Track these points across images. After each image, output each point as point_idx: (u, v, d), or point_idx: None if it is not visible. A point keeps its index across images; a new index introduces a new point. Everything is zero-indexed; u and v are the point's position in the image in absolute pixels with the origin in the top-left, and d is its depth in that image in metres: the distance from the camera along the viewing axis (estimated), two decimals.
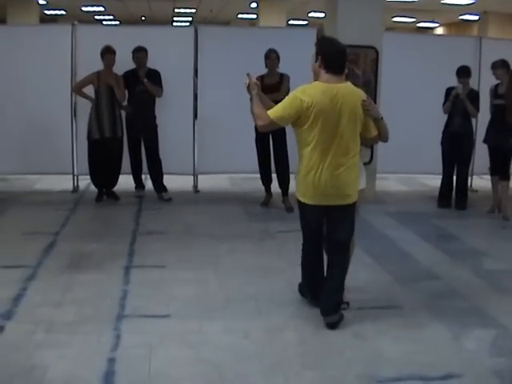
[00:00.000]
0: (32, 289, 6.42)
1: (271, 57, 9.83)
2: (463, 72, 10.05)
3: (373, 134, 5.82)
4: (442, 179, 10.54)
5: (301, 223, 5.92)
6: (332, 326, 5.58)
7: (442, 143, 10.32)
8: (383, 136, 6.04)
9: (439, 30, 30.82)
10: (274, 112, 5.47)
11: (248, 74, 5.80)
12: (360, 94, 5.66)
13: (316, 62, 5.60)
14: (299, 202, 5.75)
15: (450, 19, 27.43)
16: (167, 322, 5.63)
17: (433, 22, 28.51)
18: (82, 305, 5.99)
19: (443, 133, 10.30)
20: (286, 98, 5.50)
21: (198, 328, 5.51)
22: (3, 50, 10.87)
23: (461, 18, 26.05)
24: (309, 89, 5.47)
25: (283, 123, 5.62)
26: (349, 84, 5.61)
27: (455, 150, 10.23)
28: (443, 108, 10.18)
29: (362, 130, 5.67)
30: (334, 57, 5.57)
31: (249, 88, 5.74)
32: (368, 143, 6.15)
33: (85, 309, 5.90)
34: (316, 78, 5.62)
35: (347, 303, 5.97)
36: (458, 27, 28.60)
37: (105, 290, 6.38)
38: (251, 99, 5.70)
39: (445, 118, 10.24)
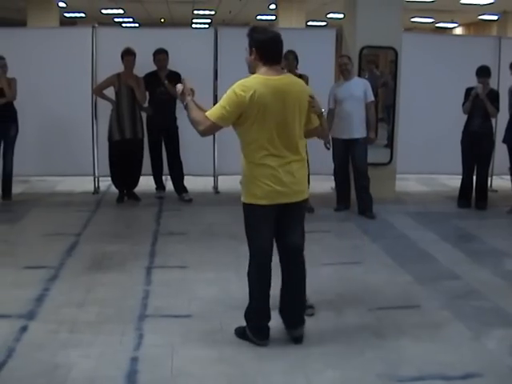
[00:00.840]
0: (55, 289, 6.49)
1: (290, 58, 9.83)
2: (483, 72, 10.03)
3: (315, 124, 5.42)
4: (462, 179, 10.51)
5: (250, 235, 5.30)
6: (301, 339, 5.33)
7: (462, 143, 10.31)
8: (325, 130, 5.91)
9: (458, 30, 30.73)
10: (213, 113, 5.00)
11: (183, 79, 5.33)
12: (303, 85, 5.41)
13: (250, 55, 5.22)
14: (249, 206, 5.20)
15: (469, 19, 27.35)
16: (189, 322, 5.67)
17: (452, 22, 28.41)
18: (104, 305, 6.04)
19: (463, 133, 10.29)
20: (224, 95, 5.04)
21: (219, 328, 5.56)
22: (24, 53, 10.93)
23: (480, 17, 25.98)
24: (248, 82, 5.04)
25: (225, 123, 5.05)
26: (290, 75, 5.37)
27: (475, 150, 10.22)
28: (463, 108, 10.17)
29: (305, 122, 5.29)
30: (268, 46, 5.20)
31: (183, 94, 5.18)
32: (308, 136, 5.50)
33: (107, 309, 5.95)
34: (252, 71, 5.22)
35: (312, 307, 5.87)
36: (477, 27, 28.51)
37: (127, 291, 6.43)
38: (186, 107, 5.18)
39: (465, 117, 10.22)
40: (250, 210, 5.19)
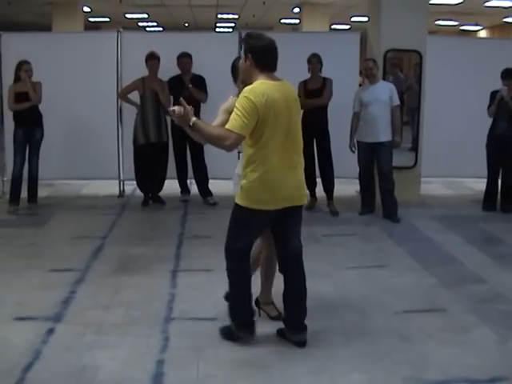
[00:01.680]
0: (81, 292, 6.53)
1: (313, 61, 9.86)
2: (507, 75, 9.98)
3: None
4: (487, 182, 10.46)
5: (238, 233, 5.27)
6: (305, 343, 5.34)
7: (487, 146, 10.25)
8: None
9: (482, 33, 30.59)
10: (235, 125, 4.87)
11: (181, 101, 4.99)
12: (295, 90, 5.47)
13: (245, 61, 5.15)
14: (246, 210, 5.13)
15: (493, 22, 27.21)
16: (214, 325, 5.66)
17: (476, 24, 28.29)
18: (130, 307, 6.07)
19: (488, 136, 10.24)
20: (238, 103, 4.93)
21: None
22: (50, 57, 11.00)
23: (504, 20, 25.85)
24: (258, 88, 4.97)
25: (247, 132, 4.93)
26: (286, 81, 5.28)
27: (500, 153, 10.16)
28: (488, 112, 10.13)
29: None
30: (265, 53, 5.16)
31: (185, 116, 4.96)
32: None
33: (133, 311, 5.99)
34: (249, 78, 5.16)
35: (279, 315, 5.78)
36: (501, 30, 28.36)
37: (152, 293, 6.46)
38: (192, 127, 5.00)
39: (490, 120, 10.17)
40: (249, 214, 5.15)
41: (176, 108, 4.97)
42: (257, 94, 4.92)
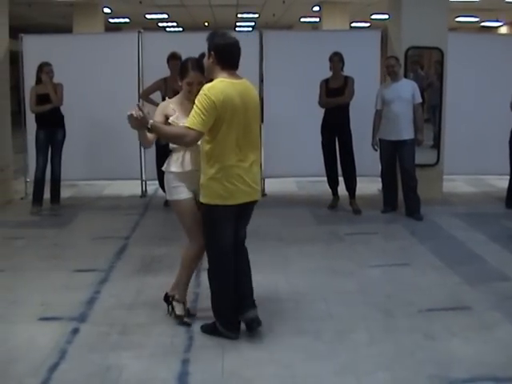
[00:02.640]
0: (105, 292, 6.57)
1: (334, 60, 9.83)
2: None
3: None
4: (510, 180, 10.41)
5: (213, 235, 5.43)
6: (257, 320, 5.50)
7: (510, 143, 10.21)
8: None
9: (503, 29, 30.41)
10: (194, 122, 5.05)
11: (138, 105, 5.15)
12: (255, 89, 5.60)
13: (208, 58, 5.32)
14: (213, 207, 5.28)
15: None
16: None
17: (496, 20, 28.14)
18: (154, 307, 6.08)
19: (511, 132, 10.20)
20: (197, 101, 5.09)
21: (268, 329, 5.56)
22: (71, 59, 11.08)
23: None
24: (217, 86, 5.13)
25: (206, 129, 5.09)
26: (246, 80, 5.43)
27: None
28: (510, 106, 10.10)
29: None
30: (226, 51, 5.31)
31: (143, 118, 5.04)
32: None
33: (157, 311, 5.99)
34: (211, 75, 5.31)
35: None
36: None
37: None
38: (150, 129, 5.13)
39: None
40: (214, 211, 5.30)
41: (134, 112, 5.04)
42: (215, 92, 5.09)
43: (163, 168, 5.78)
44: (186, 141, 5.16)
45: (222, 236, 5.41)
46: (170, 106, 5.65)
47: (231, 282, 5.49)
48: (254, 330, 5.48)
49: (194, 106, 5.11)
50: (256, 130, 5.47)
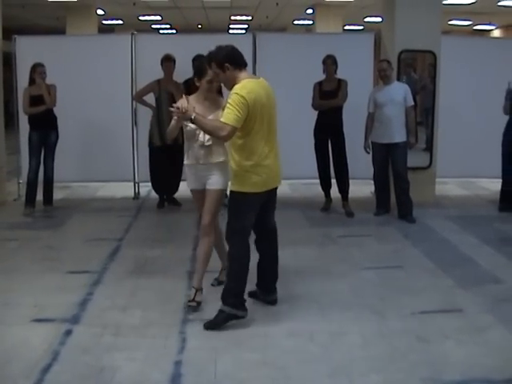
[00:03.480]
0: (98, 293, 6.57)
1: (328, 62, 9.84)
2: None
3: None
4: (502, 182, 10.44)
5: (240, 218, 5.85)
6: (276, 301, 6.25)
7: (503, 146, 10.25)
8: None
9: (496, 33, 30.48)
10: (230, 118, 5.47)
11: (185, 96, 6.05)
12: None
13: (225, 72, 5.73)
14: (243, 194, 5.75)
15: (507, 21, 27.11)
16: (232, 326, 5.68)
17: (489, 24, 28.20)
18: (147, 309, 6.10)
19: (504, 134, 10.22)
20: (230, 100, 5.53)
21: (262, 331, 5.58)
22: (64, 60, 11.07)
23: None
24: (248, 86, 5.61)
25: (240, 125, 5.54)
26: (263, 79, 5.95)
27: None
28: (503, 109, 10.14)
29: None
30: (235, 53, 5.81)
31: (187, 111, 5.63)
32: None
33: (151, 313, 6.01)
34: (233, 83, 5.69)
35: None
36: None
37: (169, 295, 6.48)
38: (193, 121, 5.65)
39: (505, 120, 10.14)
40: (244, 198, 5.78)
41: (180, 103, 5.80)
42: (247, 91, 5.55)
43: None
44: (223, 134, 5.54)
45: (249, 222, 5.91)
46: (190, 104, 5.98)
47: (247, 264, 5.88)
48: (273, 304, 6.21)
49: (228, 105, 5.52)
50: (276, 123, 5.97)
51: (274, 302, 6.22)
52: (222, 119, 5.55)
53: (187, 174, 6.45)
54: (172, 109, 5.69)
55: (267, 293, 6.26)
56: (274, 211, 6.26)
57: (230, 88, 5.69)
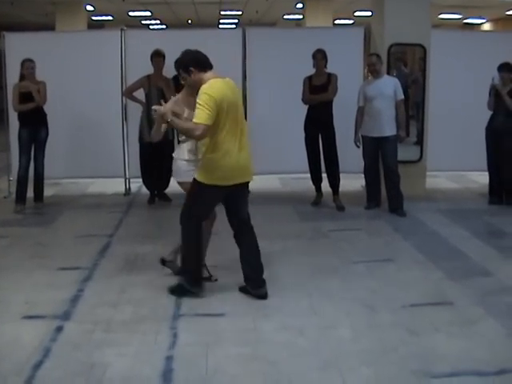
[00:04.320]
0: (89, 290, 6.57)
1: (318, 57, 9.85)
2: (503, 67, 10.02)
3: None
4: (489, 176, 10.48)
5: (196, 204, 6.21)
6: (266, 295, 6.28)
7: (486, 139, 10.30)
8: None
9: (486, 26, 30.53)
10: (202, 117, 5.77)
11: (161, 102, 6.20)
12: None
13: (191, 75, 6.09)
14: (206, 185, 6.05)
15: (496, 15, 27.15)
16: (223, 321, 5.72)
17: (480, 17, 28.24)
18: (138, 305, 6.11)
19: (486, 129, 10.28)
20: (199, 100, 5.81)
21: (253, 326, 5.59)
22: (54, 57, 11.04)
23: (507, 13, 25.79)
24: (215, 85, 5.92)
25: (212, 122, 5.81)
26: (229, 78, 6.22)
27: (497, 146, 10.18)
28: (487, 104, 10.18)
29: None
30: (199, 56, 6.17)
31: (165, 114, 5.98)
32: None
33: (141, 309, 6.01)
34: (200, 85, 5.95)
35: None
36: (505, 23, 28.30)
37: (160, 290, 6.46)
38: (169, 123, 6.08)
39: None
40: (207, 190, 6.09)
41: (158, 107, 6.06)
42: (214, 89, 5.87)
43: (173, 154, 6.67)
44: (197, 134, 5.84)
45: (205, 212, 6.33)
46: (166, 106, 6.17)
47: (199, 247, 6.35)
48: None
49: (198, 105, 5.81)
50: (244, 119, 6.26)
51: (264, 296, 6.26)
52: (194, 119, 5.82)
53: (187, 168, 6.52)
54: (153, 109, 6.05)
55: (256, 287, 6.30)
56: (246, 205, 6.46)
57: (198, 89, 5.92)
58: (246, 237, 6.40)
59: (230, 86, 6.08)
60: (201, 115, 5.76)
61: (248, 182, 6.35)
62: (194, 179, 6.15)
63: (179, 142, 6.69)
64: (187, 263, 6.35)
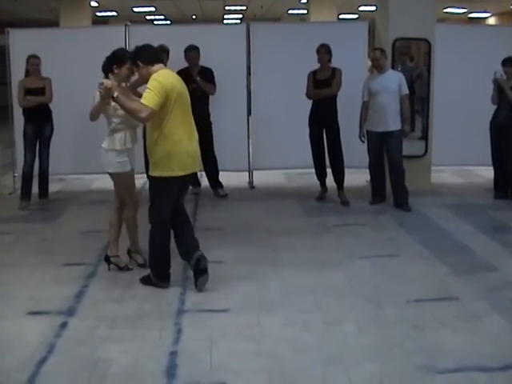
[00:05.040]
0: (93, 286, 6.58)
1: (322, 51, 9.82)
2: (507, 61, 10.00)
3: None
4: (494, 170, 10.47)
5: (160, 202, 6.27)
6: (206, 270, 6.31)
7: (490, 134, 10.28)
8: None
9: (491, 20, 30.46)
10: (150, 100, 5.84)
11: (110, 76, 6.46)
12: None
13: (140, 69, 6.22)
14: (165, 179, 6.12)
15: (502, 9, 27.10)
16: (227, 316, 5.72)
17: (484, 11, 28.18)
18: (142, 300, 6.11)
19: (490, 123, 10.26)
20: (149, 85, 5.92)
21: (257, 321, 5.58)
22: (58, 53, 11.03)
23: None
24: (163, 74, 6.08)
25: (158, 108, 5.89)
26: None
27: (501, 141, 10.16)
28: (491, 99, 10.16)
29: None
30: (146, 50, 6.26)
31: (111, 89, 6.00)
32: None
33: (146, 304, 6.02)
34: (148, 77, 6.06)
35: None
36: (510, 17, 28.24)
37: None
38: (115, 99, 6.05)
39: None
40: (165, 183, 6.17)
41: (105, 80, 6.12)
42: (164, 78, 6.01)
43: (103, 145, 6.85)
44: (143, 116, 5.91)
45: (168, 205, 6.31)
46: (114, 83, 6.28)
47: (167, 241, 6.42)
48: (203, 267, 6.27)
49: (147, 89, 5.91)
50: (190, 112, 6.32)
51: (204, 271, 6.29)
52: (142, 101, 5.88)
53: (120, 158, 6.81)
54: (99, 83, 6.08)
55: (196, 261, 6.27)
56: (186, 193, 6.79)
57: (146, 82, 6.05)
58: (182, 217, 6.55)
59: (178, 78, 6.25)
60: (149, 98, 5.84)
61: (195, 172, 6.67)
62: (151, 180, 6.37)
63: (110, 132, 6.80)
64: (156, 260, 6.46)
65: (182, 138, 6.12)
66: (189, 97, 6.37)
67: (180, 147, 6.09)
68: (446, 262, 7.16)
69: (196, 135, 6.37)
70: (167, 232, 6.42)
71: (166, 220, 6.34)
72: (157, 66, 6.14)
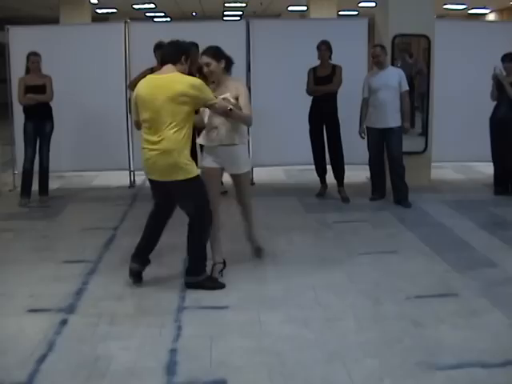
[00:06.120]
0: (93, 283, 6.57)
1: (322, 48, 9.82)
2: (506, 56, 10.01)
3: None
4: (494, 166, 10.47)
5: (203, 190, 6.35)
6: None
7: (490, 130, 10.28)
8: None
9: (491, 16, 30.43)
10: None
11: (225, 98, 6.24)
12: (180, 81, 6.13)
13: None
14: (198, 177, 6.27)
15: (501, 4, 27.08)
16: (227, 313, 5.71)
17: (484, 7, 28.15)
18: (142, 297, 6.11)
19: (490, 119, 10.27)
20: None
21: (257, 318, 5.57)
22: (58, 50, 11.05)
23: None
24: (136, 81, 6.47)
25: (137, 117, 6.31)
26: (177, 74, 6.24)
27: (501, 137, 10.15)
28: (490, 95, 10.16)
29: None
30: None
31: (230, 111, 6.16)
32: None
33: (146, 301, 6.02)
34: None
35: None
36: (509, 12, 28.21)
37: (164, 283, 6.49)
38: (229, 115, 6.23)
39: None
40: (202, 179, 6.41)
41: (228, 95, 6.29)
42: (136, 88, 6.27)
43: (236, 142, 6.67)
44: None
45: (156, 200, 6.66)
46: None
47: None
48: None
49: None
50: (164, 118, 6.00)
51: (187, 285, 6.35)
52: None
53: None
54: (220, 99, 6.17)
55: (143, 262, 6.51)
56: (182, 205, 6.45)
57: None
58: (164, 218, 6.69)
59: (152, 83, 6.17)
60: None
61: (178, 181, 6.11)
62: (190, 182, 6.20)
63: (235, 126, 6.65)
64: (203, 259, 6.44)
65: (144, 145, 6.20)
66: (164, 102, 6.17)
67: (142, 153, 6.25)
68: (446, 258, 7.16)
69: (164, 144, 6.23)
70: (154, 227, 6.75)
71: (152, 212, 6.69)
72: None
